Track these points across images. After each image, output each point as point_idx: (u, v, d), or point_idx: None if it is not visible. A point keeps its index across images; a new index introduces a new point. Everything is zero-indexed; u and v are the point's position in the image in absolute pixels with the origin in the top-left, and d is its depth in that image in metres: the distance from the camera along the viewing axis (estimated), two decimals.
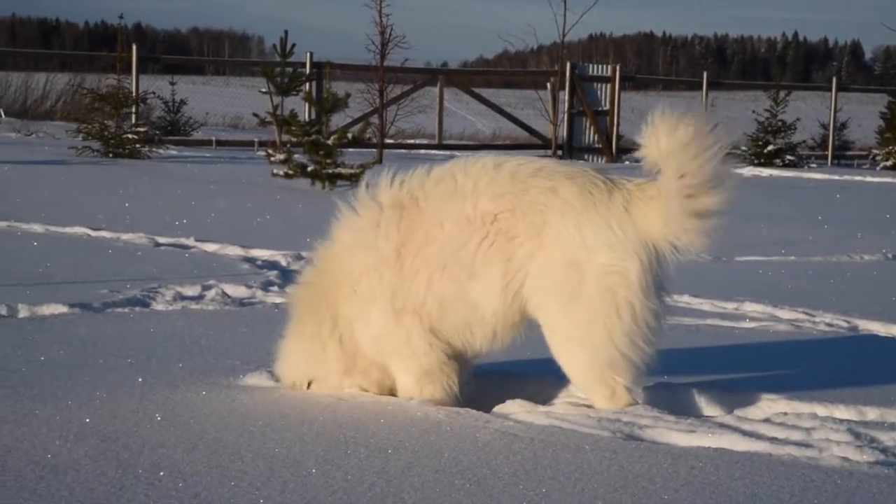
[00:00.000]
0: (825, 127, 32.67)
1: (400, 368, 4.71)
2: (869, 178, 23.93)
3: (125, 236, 10.35)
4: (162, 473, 3.59)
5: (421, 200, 4.64)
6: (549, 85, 28.39)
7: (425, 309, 4.59)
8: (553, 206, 4.46)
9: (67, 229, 10.62)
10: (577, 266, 4.42)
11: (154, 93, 24.72)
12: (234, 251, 9.78)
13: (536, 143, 29.17)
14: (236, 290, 7.71)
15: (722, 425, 4.36)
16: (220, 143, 26.47)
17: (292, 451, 3.88)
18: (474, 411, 4.49)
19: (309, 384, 4.79)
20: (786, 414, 4.62)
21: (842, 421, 4.51)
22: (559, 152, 27.38)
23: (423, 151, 28.65)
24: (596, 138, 28.57)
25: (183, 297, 7.36)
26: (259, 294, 7.70)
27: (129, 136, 20.20)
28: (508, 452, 3.95)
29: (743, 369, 5.57)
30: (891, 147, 28.61)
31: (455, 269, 4.54)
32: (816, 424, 4.41)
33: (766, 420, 4.54)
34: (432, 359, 4.64)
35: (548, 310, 4.49)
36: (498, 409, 4.66)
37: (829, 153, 31.27)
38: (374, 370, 4.76)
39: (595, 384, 4.51)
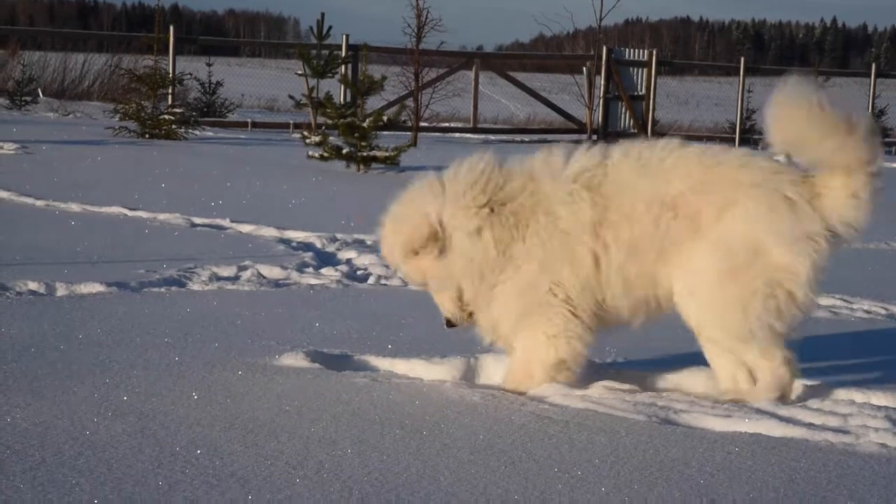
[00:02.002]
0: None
1: (537, 325, 4.61)
2: None
3: (161, 216, 10.40)
4: (199, 451, 3.61)
5: (611, 176, 4.60)
6: (584, 69, 28.26)
7: (609, 285, 4.58)
8: (738, 187, 4.45)
9: (104, 209, 10.68)
10: (755, 250, 4.41)
11: (190, 74, 24.77)
12: (269, 232, 9.81)
13: (572, 128, 29.05)
14: (272, 272, 7.73)
15: (758, 411, 4.34)
16: (255, 125, 26.52)
17: (328, 431, 3.89)
18: (510, 394, 4.49)
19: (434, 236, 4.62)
20: (823, 400, 4.59)
21: (879, 407, 4.47)
22: (594, 137, 27.27)
23: (457, 135, 28.60)
24: (632, 123, 28.43)
25: (219, 278, 7.40)
26: (294, 275, 7.72)
27: (166, 116, 20.27)
28: (544, 435, 3.94)
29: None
30: None
31: (646, 247, 4.53)
32: (854, 411, 4.38)
33: (803, 406, 4.51)
34: (578, 327, 4.60)
35: (706, 274, 4.45)
36: (533, 391, 4.66)
37: None
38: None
39: (733, 362, 4.54)
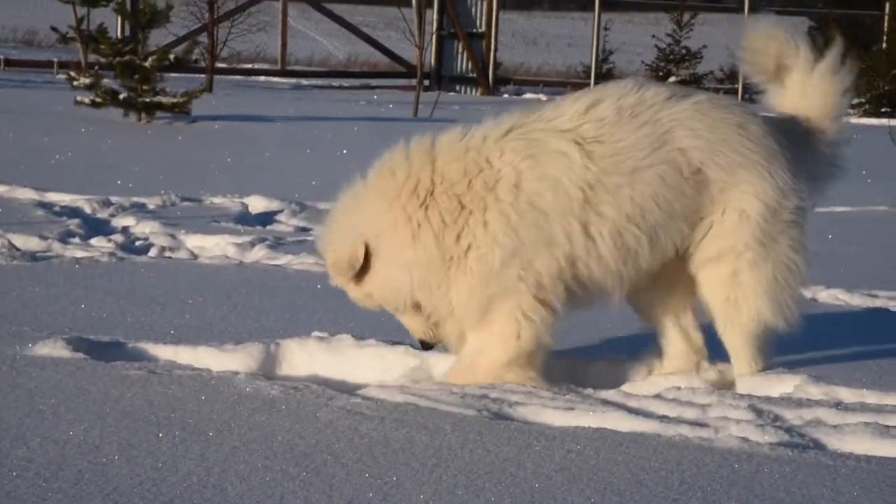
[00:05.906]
0: (736, 56, 33.20)
1: (497, 317, 4.65)
2: None
3: None
4: None
5: (605, 133, 4.70)
6: (413, 1, 28.37)
7: (600, 257, 4.66)
8: (745, 145, 4.78)
9: None
10: (774, 213, 4.78)
11: None
12: (25, 194, 9.62)
13: (399, 71, 29.18)
14: (28, 242, 7.59)
15: (605, 402, 4.45)
16: (9, 63, 25.91)
17: (91, 434, 3.84)
18: (315, 386, 4.51)
19: (367, 255, 4.67)
20: (679, 389, 4.72)
21: (742, 396, 4.62)
22: (426, 82, 27.41)
23: (262, 78, 28.39)
24: (469, 66, 28.67)
25: None
26: (56, 247, 7.59)
27: None
28: (354, 434, 3.96)
29: (634, 342, 5.65)
30: None
31: (650, 208, 4.69)
32: (713, 400, 4.52)
33: (657, 396, 4.63)
34: (547, 313, 4.67)
35: (739, 258, 4.77)
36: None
37: (740, 86, 31.78)
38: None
39: (758, 347, 4.87)
